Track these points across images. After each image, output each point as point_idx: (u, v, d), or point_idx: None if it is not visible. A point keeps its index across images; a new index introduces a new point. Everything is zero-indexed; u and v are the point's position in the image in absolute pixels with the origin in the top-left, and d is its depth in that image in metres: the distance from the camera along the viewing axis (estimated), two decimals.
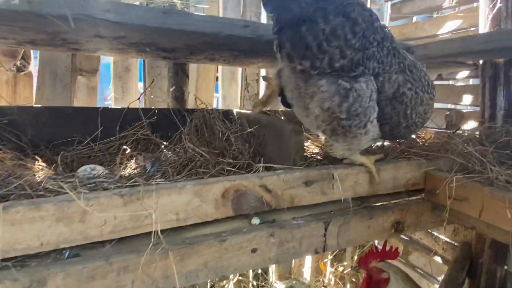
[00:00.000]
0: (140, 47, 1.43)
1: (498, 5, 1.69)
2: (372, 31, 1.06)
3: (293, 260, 2.72)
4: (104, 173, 1.25)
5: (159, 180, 1.09)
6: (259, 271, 2.52)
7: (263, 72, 2.33)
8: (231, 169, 1.26)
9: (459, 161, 1.33)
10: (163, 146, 1.58)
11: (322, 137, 1.41)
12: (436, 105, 2.57)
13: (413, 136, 1.49)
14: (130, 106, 1.70)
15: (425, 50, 1.51)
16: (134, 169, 1.35)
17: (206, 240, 1.00)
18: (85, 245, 0.92)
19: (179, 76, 1.84)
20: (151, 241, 0.90)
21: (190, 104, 1.99)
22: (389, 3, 2.68)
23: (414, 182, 1.39)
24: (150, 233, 0.92)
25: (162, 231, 0.99)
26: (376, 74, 1.12)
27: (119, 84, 1.94)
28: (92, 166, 1.38)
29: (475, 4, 2.09)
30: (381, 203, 1.37)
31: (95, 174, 1.28)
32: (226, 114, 1.81)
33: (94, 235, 0.90)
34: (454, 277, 1.72)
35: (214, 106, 2.19)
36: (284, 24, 1.00)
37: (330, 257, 2.62)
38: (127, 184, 1.04)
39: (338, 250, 2.65)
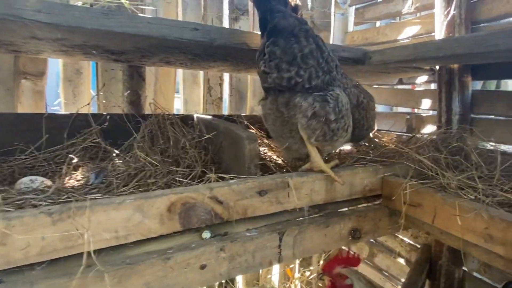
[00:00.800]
0: (85, 50, 1.33)
1: (452, 12, 1.74)
2: (331, 58, 1.26)
3: None
4: (42, 186, 1.15)
5: (97, 194, 1.01)
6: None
7: (226, 75, 2.28)
8: (183, 180, 1.20)
9: (414, 167, 1.34)
10: (114, 155, 1.48)
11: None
12: (399, 109, 2.62)
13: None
14: (79, 112, 1.60)
15: (381, 55, 1.51)
16: (78, 180, 1.25)
17: (148, 258, 0.93)
18: (10, 269, 0.83)
19: (135, 79, 1.75)
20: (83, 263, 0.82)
21: (149, 109, 1.90)
22: (353, 8, 2.71)
23: (371, 188, 1.39)
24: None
25: (100, 250, 0.92)
26: (343, 89, 1.28)
27: (70, 88, 1.82)
28: (33, 177, 1.27)
29: (433, 11, 2.14)
30: (339, 210, 1.35)
31: (35, 187, 1.18)
32: (185, 119, 1.74)
33: (19, 259, 0.82)
34: (413, 280, 1.74)
35: (175, 111, 2.11)
36: (278, 33, 1.13)
37: (297, 262, 2.60)
38: (60, 200, 0.95)
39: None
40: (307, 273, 2.52)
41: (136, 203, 0.93)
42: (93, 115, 1.61)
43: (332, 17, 2.69)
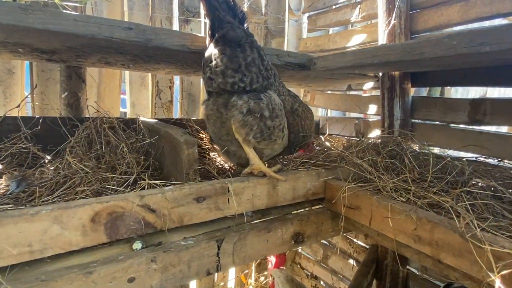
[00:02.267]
0: (9, 47, 1.23)
1: (392, 22, 1.82)
2: (270, 67, 1.33)
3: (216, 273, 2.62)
4: None
5: (9, 206, 0.92)
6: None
7: (177, 78, 2.22)
8: (116, 188, 1.13)
9: (354, 171, 1.37)
10: (46, 161, 1.38)
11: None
12: (352, 114, 2.69)
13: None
14: (8, 115, 1.47)
15: (325, 62, 1.54)
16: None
17: (67, 273, 0.86)
18: None
19: (73, 80, 1.64)
20: None
21: (91, 112, 1.79)
22: (306, 15, 2.77)
23: (314, 191, 1.40)
24: None
25: (13, 266, 0.84)
26: (278, 95, 1.33)
27: (0, 89, 1.67)
28: None
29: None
30: (282, 214, 1.35)
31: None
32: (129, 123, 1.66)
33: None
34: (359, 281, 1.78)
35: (122, 114, 2.01)
36: (228, 42, 1.18)
37: (253, 267, 2.58)
38: None
39: (262, 258, 2.63)
40: (262, 278, 2.50)
41: (53, 214, 0.86)
42: (24, 118, 1.49)
43: (286, 23, 2.73)
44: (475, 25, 1.69)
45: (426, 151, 1.55)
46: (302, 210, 1.39)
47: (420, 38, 1.81)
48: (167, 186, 1.09)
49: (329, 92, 2.72)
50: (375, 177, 1.31)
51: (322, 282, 2.64)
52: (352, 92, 2.81)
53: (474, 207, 1.14)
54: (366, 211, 1.24)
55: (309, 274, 2.73)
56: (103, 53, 1.33)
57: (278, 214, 1.35)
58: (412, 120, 1.90)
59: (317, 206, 1.44)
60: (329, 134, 2.49)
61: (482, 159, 1.57)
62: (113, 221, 0.96)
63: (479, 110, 1.62)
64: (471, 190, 1.27)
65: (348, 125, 2.34)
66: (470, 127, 1.68)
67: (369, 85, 2.24)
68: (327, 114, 3.11)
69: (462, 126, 1.71)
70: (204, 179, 1.28)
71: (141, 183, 1.08)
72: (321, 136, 2.46)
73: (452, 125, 1.74)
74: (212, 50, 1.20)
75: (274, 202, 1.29)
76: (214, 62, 1.18)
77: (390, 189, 1.25)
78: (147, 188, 1.10)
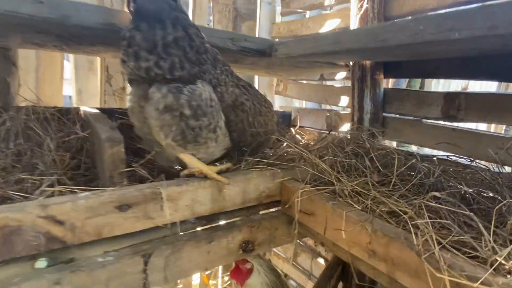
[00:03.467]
0: None
1: (364, 5, 1.65)
2: (204, 50, 1.10)
3: None
4: None
5: None
6: None
7: None
8: (23, 195, 0.95)
9: (312, 172, 1.23)
10: None
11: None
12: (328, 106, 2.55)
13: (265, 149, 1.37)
14: None
15: (285, 48, 1.38)
16: None
17: None
18: None
19: (1, 64, 1.43)
20: None
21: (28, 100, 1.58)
22: None
23: (269, 194, 1.26)
24: None
25: None
26: (213, 86, 1.12)
27: None
28: None
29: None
30: (231, 220, 1.20)
31: None
32: (67, 113, 1.47)
33: None
34: (322, 284, 1.67)
35: (63, 103, 1.81)
36: (145, 16, 0.96)
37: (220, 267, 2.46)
38: None
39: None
40: (226, 278, 2.38)
41: None
42: None
43: (258, 6, 2.53)
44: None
45: (394, 149, 1.42)
46: (252, 215, 1.25)
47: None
48: (85, 192, 0.93)
49: (304, 81, 2.56)
50: (333, 179, 1.17)
51: (292, 281, 2.54)
52: (328, 83, 2.67)
53: (438, 214, 1.02)
54: (321, 218, 1.10)
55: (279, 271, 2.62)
56: (21, 33, 1.13)
57: (228, 219, 1.21)
58: (384, 114, 1.76)
59: (272, 210, 1.30)
60: (300, 127, 2.34)
61: (454, 158, 1.46)
62: (6, 236, 0.79)
63: (453, 104, 1.49)
64: (436, 195, 1.15)
65: (320, 117, 2.19)
66: (443, 123, 1.55)
67: (341, 75, 2.09)
68: (304, 105, 2.96)
69: (435, 121, 1.58)
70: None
71: (43, 190, 0.91)
72: (292, 129, 2.32)
73: (424, 120, 1.62)
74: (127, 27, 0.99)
75: (221, 208, 1.14)
76: (126, 42, 0.96)
77: (348, 193, 1.11)
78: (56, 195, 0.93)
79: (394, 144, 2.03)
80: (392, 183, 1.17)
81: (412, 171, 1.31)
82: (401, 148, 1.61)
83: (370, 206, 1.04)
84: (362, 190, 1.14)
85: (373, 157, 1.26)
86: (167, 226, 1.01)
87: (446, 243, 0.82)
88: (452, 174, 1.35)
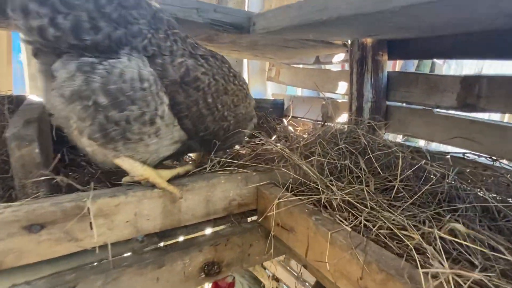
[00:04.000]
0: None
1: None
2: (135, 4, 0.83)
3: None
4: None
5: None
6: None
7: None
8: None
9: (294, 176, 0.98)
10: None
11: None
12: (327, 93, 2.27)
13: (237, 142, 1.10)
14: None
15: (264, 21, 1.11)
16: None
17: None
18: None
19: None
20: None
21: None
22: None
23: (241, 202, 1.02)
24: None
25: None
26: (151, 56, 0.83)
27: None
28: None
29: None
30: (192, 236, 0.97)
31: None
32: (20, 101, 1.24)
33: None
34: None
35: (12, 89, 1.57)
36: None
37: None
38: None
39: None
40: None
41: None
42: None
43: None
44: None
45: (398, 145, 1.16)
46: (218, 230, 1.01)
47: None
48: None
49: (300, 66, 2.28)
50: (320, 186, 0.93)
51: (284, 286, 2.33)
52: (328, 67, 2.39)
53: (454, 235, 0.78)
54: (302, 236, 0.86)
55: (270, 274, 2.41)
56: None
57: (188, 234, 0.98)
58: (388, 103, 1.50)
59: (247, 221, 1.07)
60: (293, 117, 2.08)
61: (472, 156, 1.20)
62: None
63: (472, 91, 1.22)
64: (451, 207, 0.90)
65: (315, 106, 1.93)
66: (459, 113, 1.28)
67: (339, 57, 1.81)
68: (300, 92, 2.69)
69: (449, 111, 1.32)
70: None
71: None
72: (283, 120, 2.06)
73: (436, 110, 1.35)
74: None
75: (176, 222, 0.91)
76: None
77: (338, 205, 0.87)
78: None
79: (399, 138, 1.77)
80: (393, 193, 0.92)
81: (421, 173, 1.07)
82: (407, 143, 1.35)
83: (365, 223, 0.80)
84: (355, 201, 0.89)
85: (372, 156, 1.01)
86: (97, 250, 0.77)
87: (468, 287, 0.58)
88: (469, 177, 1.09)
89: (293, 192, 0.99)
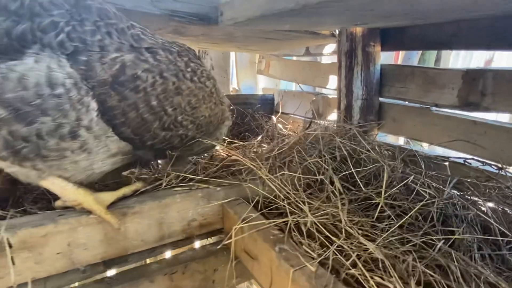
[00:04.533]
0: None
1: None
2: None
3: None
4: None
5: None
6: None
7: None
8: None
9: (262, 192, 0.85)
10: None
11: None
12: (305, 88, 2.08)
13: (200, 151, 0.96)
14: None
15: (231, 10, 0.96)
16: None
17: None
18: None
19: None
20: None
21: None
22: None
23: (203, 222, 0.89)
24: None
25: None
26: (71, 53, 0.69)
27: None
28: None
29: None
30: (137, 264, 0.84)
31: None
32: None
33: None
34: None
35: None
36: None
37: None
38: None
39: None
40: None
41: None
42: None
43: None
44: None
45: (388, 151, 1.01)
46: (176, 253, 0.89)
47: None
48: None
49: (294, 58, 2.11)
50: (288, 206, 0.79)
51: None
52: (323, 58, 2.21)
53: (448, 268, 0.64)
54: (266, 268, 0.73)
55: None
56: None
57: (141, 260, 0.86)
58: (381, 99, 1.34)
59: (210, 243, 0.94)
60: (283, 113, 1.93)
61: (474, 163, 1.04)
62: None
63: (475, 87, 1.06)
64: (446, 228, 0.75)
65: (305, 102, 1.78)
66: (460, 112, 1.12)
67: (330, 48, 1.65)
68: (293, 87, 2.52)
69: (449, 110, 1.16)
70: None
71: None
72: (273, 117, 1.92)
73: (435, 109, 1.19)
74: None
75: (122, 250, 0.79)
76: None
77: (307, 230, 0.73)
78: None
79: (401, 140, 1.61)
80: (376, 213, 0.78)
81: (413, 184, 0.92)
82: (408, 147, 1.18)
83: (335, 258, 0.66)
84: (331, 222, 0.75)
85: (353, 168, 0.86)
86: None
87: None
88: (470, 189, 0.94)
89: (262, 212, 0.85)
